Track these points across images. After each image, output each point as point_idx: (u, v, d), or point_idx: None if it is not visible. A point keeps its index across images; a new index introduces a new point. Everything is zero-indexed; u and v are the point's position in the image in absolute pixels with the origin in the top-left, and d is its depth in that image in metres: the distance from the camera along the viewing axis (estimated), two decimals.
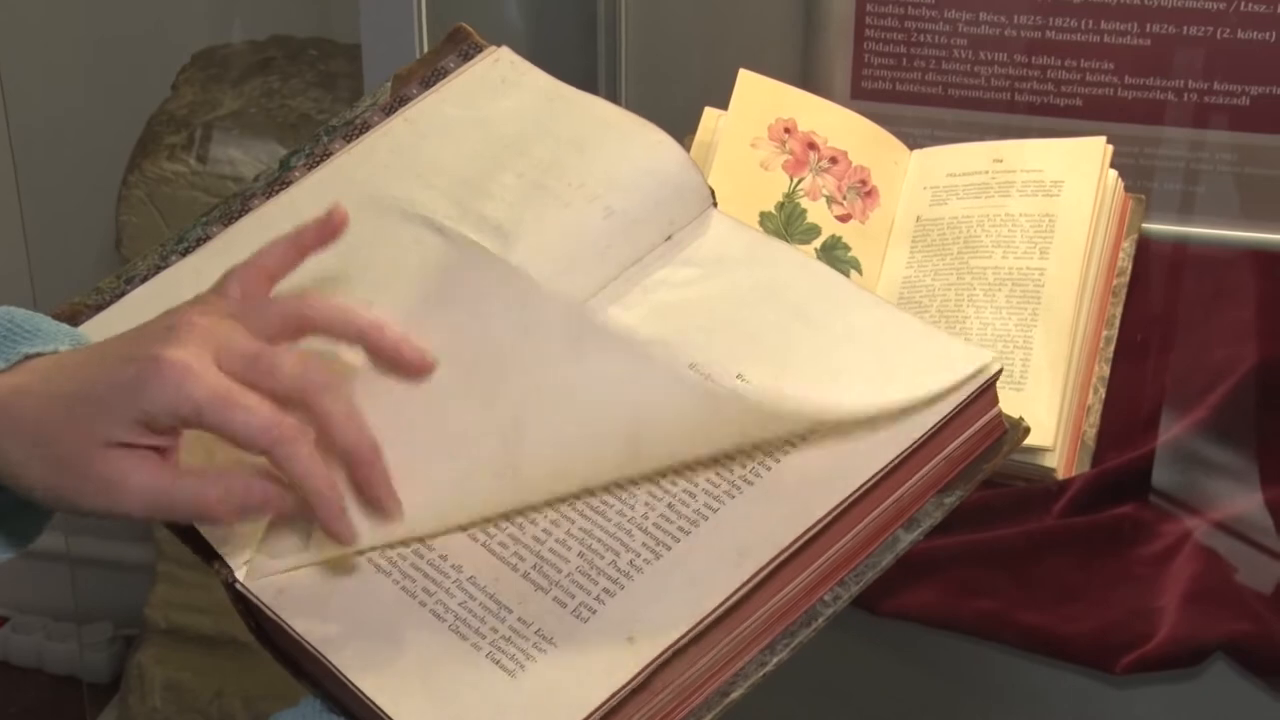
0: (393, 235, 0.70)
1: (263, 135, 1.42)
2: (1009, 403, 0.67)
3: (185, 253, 0.73)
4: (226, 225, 0.73)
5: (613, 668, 0.56)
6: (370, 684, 0.57)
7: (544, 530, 0.61)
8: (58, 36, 1.60)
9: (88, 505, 0.58)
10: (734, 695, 0.59)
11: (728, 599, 0.58)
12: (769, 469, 0.61)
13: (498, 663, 0.57)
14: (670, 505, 0.61)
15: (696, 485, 0.61)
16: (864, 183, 1.04)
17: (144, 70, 1.55)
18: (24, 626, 1.89)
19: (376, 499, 0.60)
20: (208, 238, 0.73)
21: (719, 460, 0.61)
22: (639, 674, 0.56)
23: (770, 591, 0.59)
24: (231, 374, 0.58)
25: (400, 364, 0.62)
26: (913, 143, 1.07)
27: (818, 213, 1.02)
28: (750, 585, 0.58)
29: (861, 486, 0.60)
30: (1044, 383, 0.94)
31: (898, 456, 0.61)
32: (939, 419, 0.62)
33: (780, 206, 1.01)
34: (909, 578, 0.93)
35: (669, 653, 0.57)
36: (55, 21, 1.60)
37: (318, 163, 0.75)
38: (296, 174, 0.74)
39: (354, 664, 0.58)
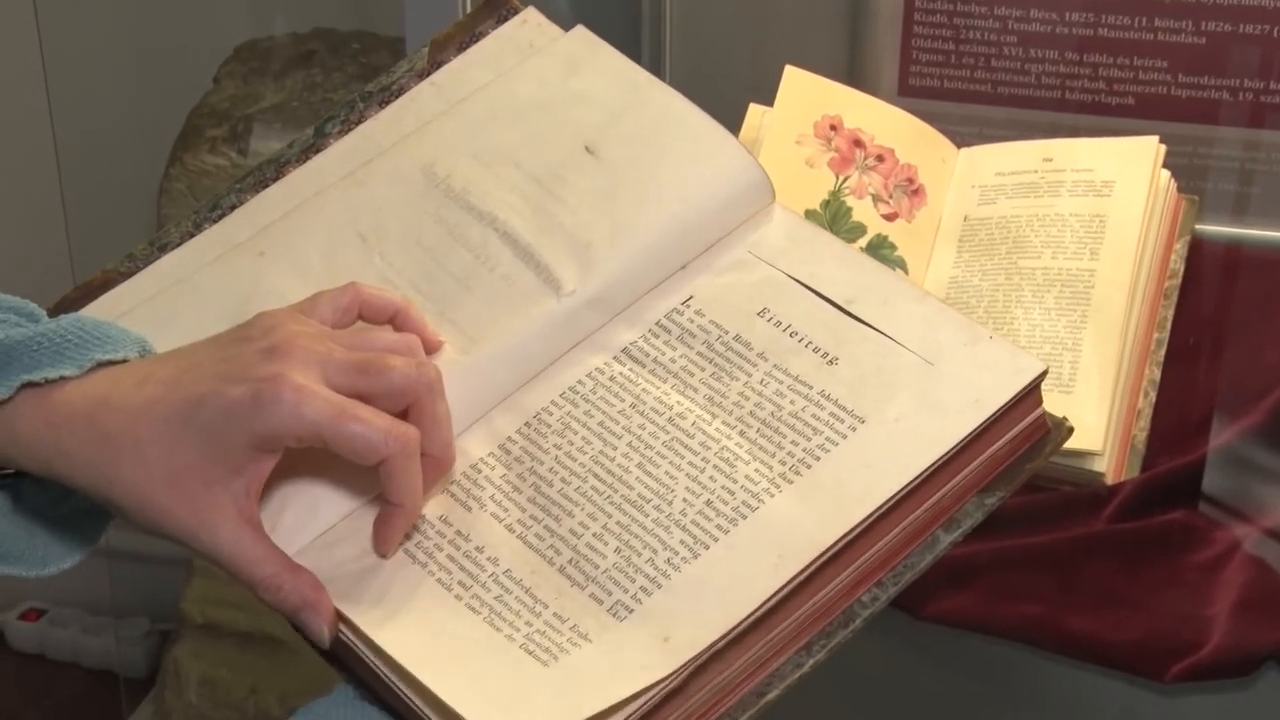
0: (439, 218, 0.71)
1: (304, 128, 1.42)
2: (1057, 406, 0.67)
3: (218, 220, 0.73)
4: (259, 192, 0.74)
5: (647, 667, 0.56)
6: (409, 660, 0.57)
7: (580, 524, 0.61)
8: (100, 30, 1.61)
9: (170, 528, 0.59)
10: (770, 696, 0.59)
11: (766, 602, 0.58)
12: (809, 466, 0.61)
13: (532, 654, 0.58)
14: (709, 503, 0.61)
15: (736, 482, 0.61)
16: (911, 181, 1.04)
17: (186, 63, 1.57)
18: (61, 620, 1.90)
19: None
20: (240, 204, 0.73)
21: (756, 452, 0.62)
22: (673, 675, 0.56)
23: (808, 593, 0.60)
24: (340, 388, 0.58)
25: (426, 343, 0.64)
26: (961, 141, 1.06)
27: (863, 211, 1.02)
28: (789, 587, 0.58)
29: (904, 488, 0.60)
30: (1093, 386, 0.94)
31: (940, 457, 0.61)
32: (982, 419, 0.62)
33: (825, 204, 1.01)
34: (951, 581, 0.93)
35: (706, 654, 0.57)
36: (98, 14, 1.61)
37: (351, 129, 0.75)
38: (331, 140, 0.75)
39: (392, 643, 0.58)
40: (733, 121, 1.01)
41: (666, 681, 0.56)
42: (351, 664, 0.61)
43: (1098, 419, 0.92)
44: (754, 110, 1.03)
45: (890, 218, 1.02)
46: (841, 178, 1.01)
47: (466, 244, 0.70)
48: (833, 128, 1.02)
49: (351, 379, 0.59)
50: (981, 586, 0.94)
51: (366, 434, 0.58)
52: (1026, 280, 0.99)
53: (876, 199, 1.02)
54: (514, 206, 0.70)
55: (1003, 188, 1.03)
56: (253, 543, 0.59)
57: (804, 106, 1.02)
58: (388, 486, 0.59)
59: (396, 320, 0.64)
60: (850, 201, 1.01)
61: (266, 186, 0.74)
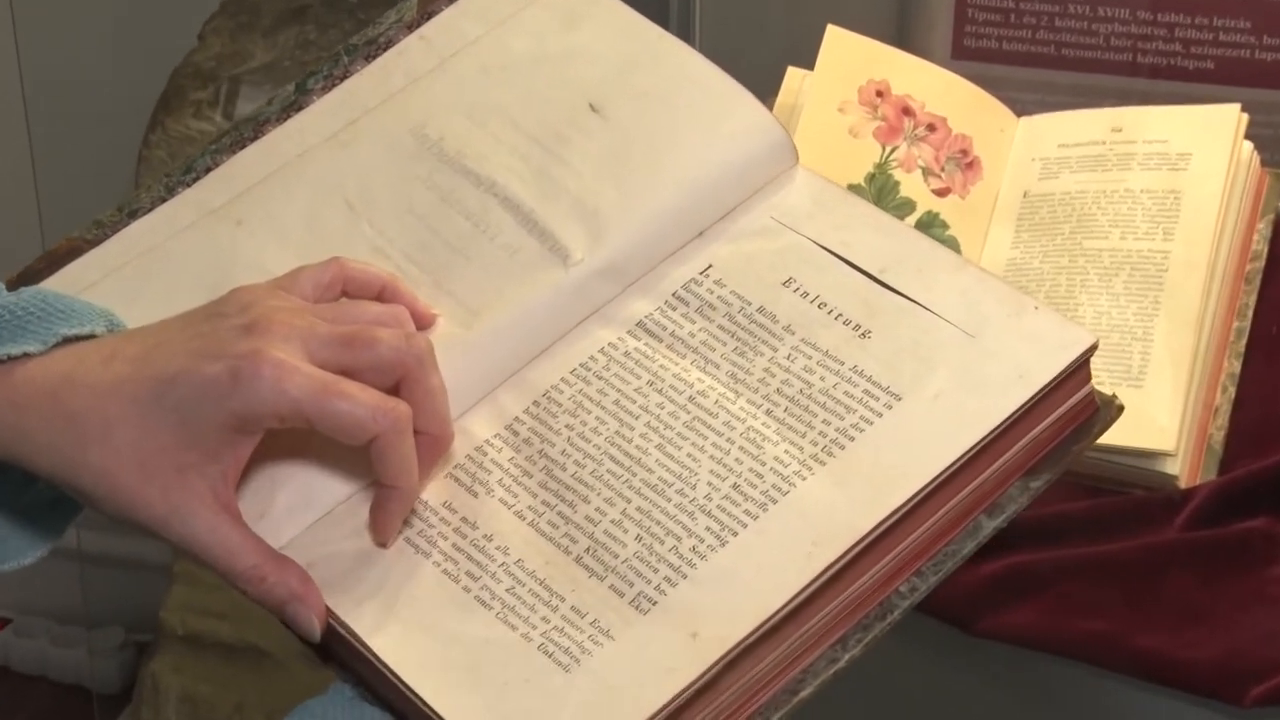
0: (432, 183, 0.71)
1: None
2: (1126, 401, 0.68)
3: (192, 183, 0.73)
4: (236, 153, 0.74)
5: (675, 666, 0.57)
6: (412, 674, 0.58)
7: (597, 509, 0.62)
8: None
9: (141, 516, 0.59)
10: (803, 694, 0.60)
11: (800, 592, 0.59)
12: (842, 447, 0.62)
13: (550, 655, 0.58)
14: (736, 486, 0.61)
15: (764, 465, 0.62)
16: (965, 153, 1.04)
17: (168, 18, 1.57)
18: (27, 630, 1.91)
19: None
20: (216, 166, 0.74)
21: (784, 432, 0.62)
22: (704, 674, 0.57)
23: (844, 583, 0.60)
24: (324, 363, 0.59)
25: (417, 318, 0.65)
26: (1020, 109, 1.07)
27: (912, 186, 1.02)
28: (824, 578, 0.59)
29: (945, 470, 0.61)
30: (1165, 380, 0.94)
31: (984, 437, 0.62)
32: (1028, 396, 0.62)
33: (871, 179, 1.01)
34: (1009, 594, 0.93)
35: (737, 650, 0.57)
36: None
37: (335, 84, 0.76)
38: (314, 97, 0.75)
39: (393, 651, 0.59)
40: (769, 86, 1.02)
41: (696, 681, 0.57)
42: (350, 660, 0.61)
43: (1170, 416, 0.93)
44: (792, 74, 1.04)
45: (942, 193, 1.02)
46: (888, 149, 1.02)
47: (463, 211, 0.70)
48: (879, 94, 1.03)
49: (336, 353, 0.60)
50: (1042, 599, 0.94)
51: (353, 410, 0.58)
52: (1092, 263, 0.99)
53: (927, 172, 1.02)
54: (514, 170, 0.71)
55: (1067, 160, 1.03)
56: (231, 531, 0.60)
57: (847, 70, 1.02)
58: (380, 467, 0.60)
59: (384, 296, 0.65)
60: (898, 175, 1.02)
61: (244, 147, 0.74)
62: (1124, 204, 1.00)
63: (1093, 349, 0.64)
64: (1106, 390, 0.66)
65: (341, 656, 0.62)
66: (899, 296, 0.66)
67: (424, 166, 0.72)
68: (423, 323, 0.66)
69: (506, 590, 0.60)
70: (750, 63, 0.76)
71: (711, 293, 0.68)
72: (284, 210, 0.71)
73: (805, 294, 0.67)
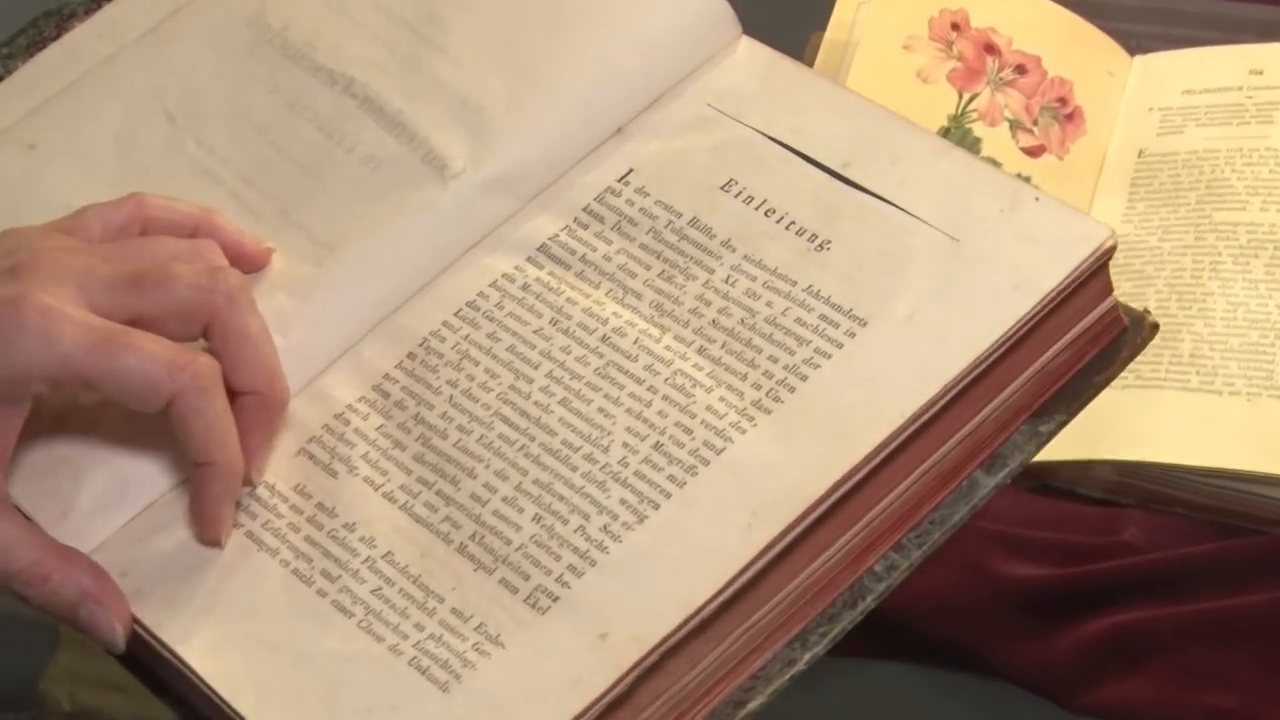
0: (274, 85, 0.71)
1: None
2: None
3: None
4: (33, 56, 0.74)
5: (581, 676, 0.56)
6: (250, 706, 0.57)
7: (486, 486, 0.61)
8: None
9: None
10: (751, 705, 0.59)
11: (737, 576, 0.57)
12: (792, 390, 0.61)
13: (425, 672, 0.57)
14: (658, 446, 0.61)
15: (694, 417, 0.61)
16: (1064, 101, 1.03)
17: None
18: None
19: (250, 457, 0.61)
20: (9, 74, 0.73)
21: (720, 375, 0.62)
22: (616, 683, 0.56)
23: (797, 562, 0.59)
24: (107, 311, 0.59)
25: (241, 258, 0.65)
26: (1135, 45, 1.07)
27: (997, 143, 1.02)
28: (769, 555, 0.58)
29: (920, 412, 0.60)
30: None
31: (970, 367, 0.61)
32: (1027, 310, 0.61)
33: (945, 132, 1.01)
34: (1117, 660, 0.91)
35: (657, 652, 0.56)
36: None
37: None
38: None
39: (227, 677, 0.58)
40: (814, 19, 1.01)
41: (607, 693, 0.56)
42: (185, 692, 0.60)
43: None
44: (844, 3, 1.03)
45: (1034, 152, 1.01)
46: (967, 96, 1.01)
47: (314, 118, 0.70)
48: (955, 26, 1.03)
49: (121, 297, 0.59)
50: (1159, 667, 0.91)
51: (141, 365, 0.57)
52: (1225, 240, 0.99)
53: (1015, 126, 1.01)
54: (376, 62, 0.71)
55: (1194, 111, 1.04)
56: (3, 524, 0.59)
57: None
58: (186, 439, 0.59)
59: (198, 236, 0.65)
60: (979, 130, 1.00)
61: (44, 48, 0.74)
62: (1265, 166, 1.00)
63: (1111, 249, 0.63)
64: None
65: (175, 688, 0.61)
66: (865, 194, 0.66)
67: (263, 65, 0.71)
68: (250, 261, 0.65)
69: (371, 592, 0.59)
70: None
71: (632, 204, 0.67)
72: (89, 129, 0.71)
73: (749, 199, 0.66)
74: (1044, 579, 0.89)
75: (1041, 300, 0.62)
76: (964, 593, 0.89)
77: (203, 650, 0.59)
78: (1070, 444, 0.83)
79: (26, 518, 0.61)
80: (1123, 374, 0.80)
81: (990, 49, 1.02)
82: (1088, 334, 0.64)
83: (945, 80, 1.00)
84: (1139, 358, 0.66)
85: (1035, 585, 0.89)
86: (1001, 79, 1.01)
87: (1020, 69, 1.02)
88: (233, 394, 0.60)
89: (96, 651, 1.49)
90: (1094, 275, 0.63)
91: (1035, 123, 1.02)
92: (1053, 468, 0.92)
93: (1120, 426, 0.91)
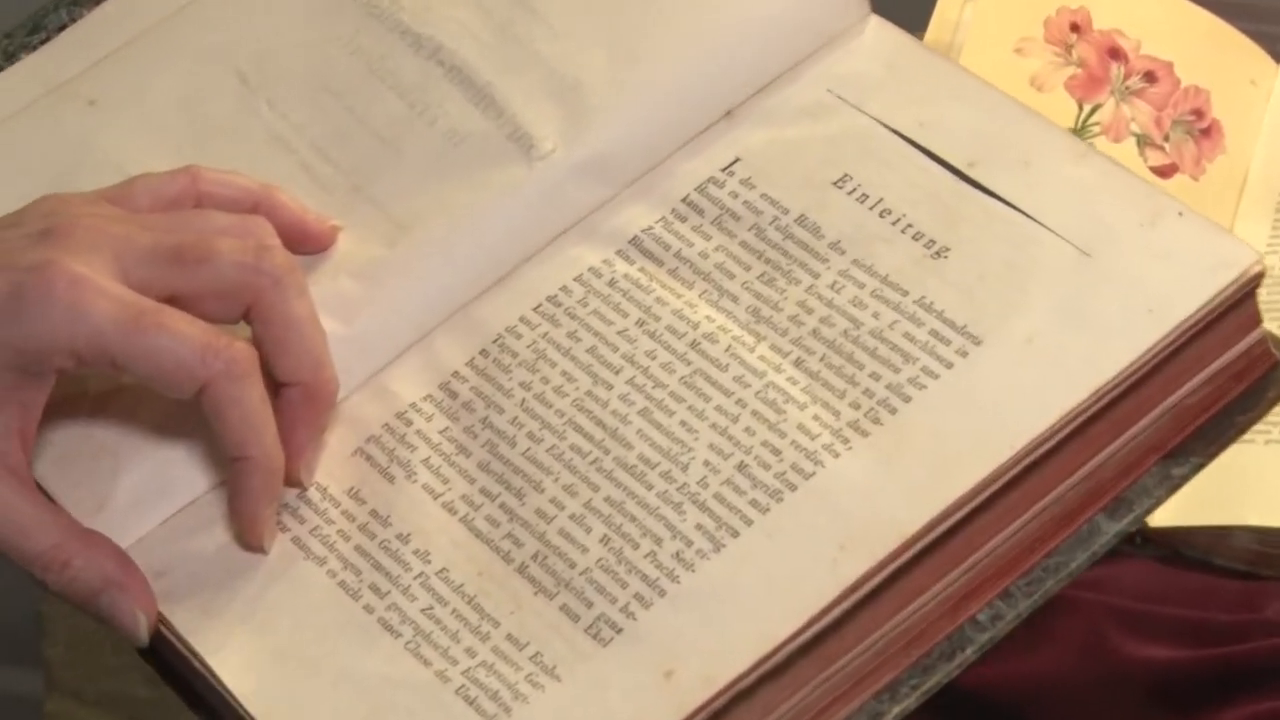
0: (357, 46, 0.70)
1: None
2: None
3: (38, 46, 0.72)
4: (97, 7, 0.73)
5: (641, 717, 0.54)
6: None
7: (553, 501, 0.59)
8: None
9: None
10: None
11: (820, 615, 0.55)
12: (894, 412, 0.59)
13: (472, 702, 0.56)
14: (742, 467, 0.59)
15: (784, 436, 0.59)
16: (1200, 114, 0.99)
17: None
18: None
19: (297, 455, 0.60)
20: (71, 23, 0.73)
21: (816, 390, 0.60)
22: None
23: (890, 604, 0.57)
24: (143, 285, 0.58)
25: (305, 238, 0.64)
26: None
27: (1124, 160, 0.98)
28: (857, 594, 0.56)
29: (1038, 443, 0.58)
30: None
31: (1098, 395, 0.58)
32: (1161, 337, 0.59)
33: None
34: None
35: (726, 696, 0.55)
36: None
37: None
38: None
39: (262, 696, 0.57)
40: (916, 17, 0.99)
41: None
42: (219, 709, 0.59)
43: None
44: (948, 1, 0.98)
45: (1165, 172, 0.96)
46: (1088, 107, 0.97)
47: (397, 86, 0.68)
48: (1075, 28, 0.98)
49: (159, 270, 0.58)
50: None
51: (174, 347, 0.56)
52: None
53: (1143, 142, 0.97)
54: (468, 27, 0.69)
55: None
56: (21, 503, 0.58)
57: None
58: (219, 429, 0.58)
59: (263, 211, 0.63)
60: (1102, 144, 0.96)
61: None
62: None
63: (1260, 275, 0.60)
64: None
65: (211, 702, 0.60)
66: (991, 198, 0.63)
67: (347, 23, 0.70)
68: (314, 241, 0.64)
69: (422, 611, 0.58)
70: None
71: (736, 197, 0.65)
72: (154, 87, 0.70)
73: (863, 197, 0.64)
74: (1175, 662, 0.84)
75: (1179, 326, 0.59)
76: (1082, 676, 0.84)
77: (237, 664, 0.58)
78: (1207, 507, 0.81)
79: (49, 498, 0.60)
80: (1269, 429, 0.76)
81: (1115, 54, 0.97)
82: (1231, 368, 0.61)
83: (1063, 89, 0.96)
84: None
85: (1165, 669, 0.84)
86: (1128, 88, 0.97)
87: (1149, 77, 0.97)
88: (277, 385, 0.59)
89: (90, 700, 1.50)
90: (1240, 302, 0.61)
91: (1166, 138, 0.97)
92: (1186, 534, 0.87)
93: (1265, 488, 0.86)
